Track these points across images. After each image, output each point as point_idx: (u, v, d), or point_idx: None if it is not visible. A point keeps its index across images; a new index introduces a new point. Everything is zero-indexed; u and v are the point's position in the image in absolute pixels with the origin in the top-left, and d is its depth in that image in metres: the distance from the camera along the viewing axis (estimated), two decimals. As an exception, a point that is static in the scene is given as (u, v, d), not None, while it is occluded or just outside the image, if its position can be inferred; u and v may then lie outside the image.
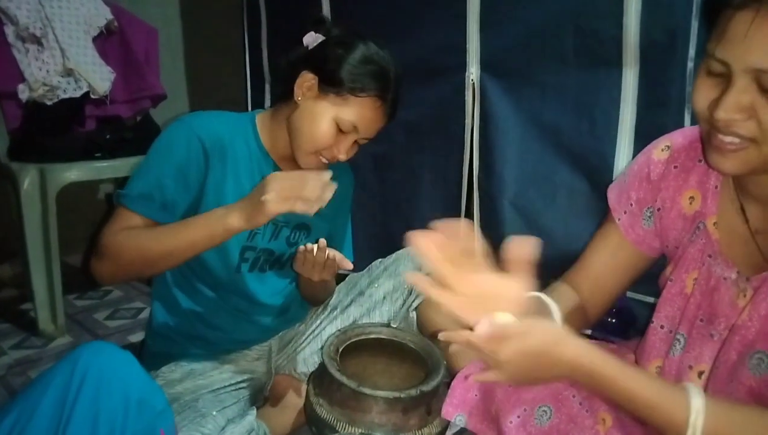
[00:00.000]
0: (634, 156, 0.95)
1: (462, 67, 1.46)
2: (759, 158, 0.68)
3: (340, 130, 1.07)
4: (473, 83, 1.46)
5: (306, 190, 0.95)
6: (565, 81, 1.31)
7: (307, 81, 1.07)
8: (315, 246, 1.06)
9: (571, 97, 1.31)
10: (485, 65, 1.44)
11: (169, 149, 1.05)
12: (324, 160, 1.10)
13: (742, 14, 0.63)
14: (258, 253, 1.15)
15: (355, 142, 1.11)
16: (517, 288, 0.69)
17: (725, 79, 0.67)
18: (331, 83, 1.06)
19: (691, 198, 0.86)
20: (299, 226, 1.20)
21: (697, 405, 0.65)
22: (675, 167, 0.87)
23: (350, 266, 1.12)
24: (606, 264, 0.95)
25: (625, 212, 0.92)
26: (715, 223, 0.83)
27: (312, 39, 1.10)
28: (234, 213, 0.98)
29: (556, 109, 1.34)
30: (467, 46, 1.44)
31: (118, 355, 0.71)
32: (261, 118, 1.16)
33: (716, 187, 0.83)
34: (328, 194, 0.99)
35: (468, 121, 1.49)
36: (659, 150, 0.89)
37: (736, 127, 0.67)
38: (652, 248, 0.93)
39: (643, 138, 1.19)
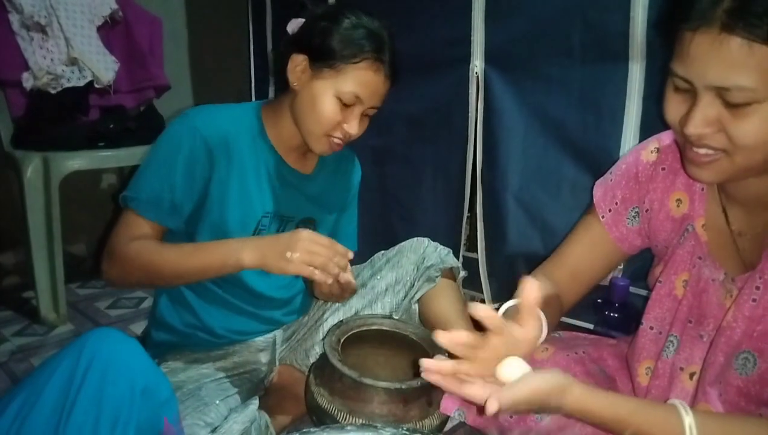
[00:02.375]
0: (639, 151, 0.95)
1: (466, 59, 1.46)
2: (733, 167, 0.70)
3: (344, 105, 1.03)
4: (477, 76, 1.45)
5: (330, 264, 0.96)
6: (570, 75, 1.31)
7: (298, 64, 1.04)
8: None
9: (577, 91, 1.31)
10: (490, 58, 1.43)
11: (173, 150, 1.03)
12: (337, 141, 1.07)
13: (696, 35, 0.65)
14: None
15: (364, 115, 1.07)
16: (527, 342, 0.73)
17: (692, 94, 0.69)
18: (322, 58, 1.02)
19: (678, 200, 0.87)
20: (305, 220, 1.20)
21: (688, 422, 0.68)
22: (663, 169, 0.88)
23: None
24: (584, 257, 0.97)
25: (609, 210, 0.94)
26: (703, 226, 0.84)
27: (295, 24, 1.08)
28: (250, 251, 0.98)
29: (561, 103, 1.33)
30: (472, 38, 1.44)
31: (125, 342, 0.71)
32: (266, 111, 1.14)
33: (702, 189, 0.85)
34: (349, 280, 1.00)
35: (472, 114, 1.48)
36: (648, 151, 0.90)
37: (707, 141, 0.69)
38: (633, 246, 0.95)
39: (648, 133, 1.18)
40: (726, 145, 0.68)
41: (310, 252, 0.96)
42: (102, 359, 0.68)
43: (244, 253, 0.98)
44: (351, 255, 1.03)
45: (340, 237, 1.32)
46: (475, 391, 0.70)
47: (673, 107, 0.72)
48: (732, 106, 0.65)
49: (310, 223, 1.21)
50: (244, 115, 1.12)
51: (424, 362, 0.72)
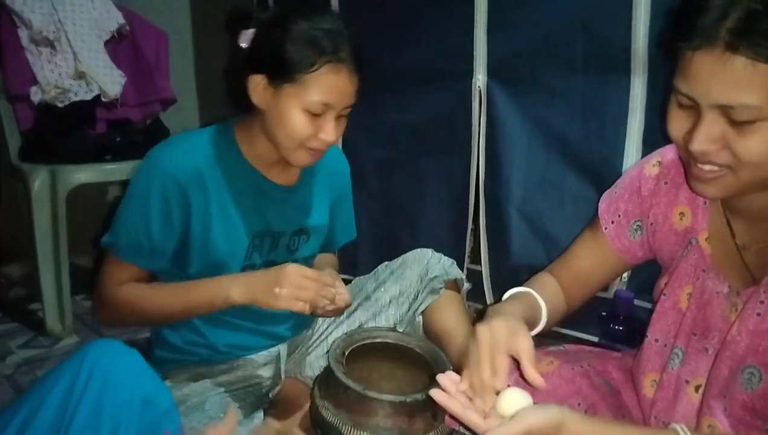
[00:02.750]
0: (641, 163, 0.96)
1: (469, 72, 1.47)
2: (738, 183, 0.70)
3: (314, 115, 0.98)
4: (480, 89, 1.46)
5: (318, 299, 1.00)
6: (572, 88, 1.32)
7: (257, 84, 1.00)
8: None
9: (579, 104, 1.31)
10: (492, 71, 1.44)
11: (145, 195, 1.02)
12: (316, 152, 1.04)
13: (700, 54, 0.65)
14: (259, 268, 1.12)
15: (339, 116, 1.03)
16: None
17: (696, 110, 0.69)
18: (280, 74, 0.97)
19: (682, 214, 0.88)
20: (297, 232, 1.18)
21: None
22: (665, 183, 0.89)
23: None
24: (588, 265, 0.99)
25: (612, 222, 0.95)
26: (707, 239, 0.84)
27: (246, 36, 1.02)
28: (239, 288, 1.01)
29: (563, 116, 1.34)
30: (474, 51, 1.45)
31: (126, 353, 0.72)
32: (239, 130, 1.10)
33: (705, 203, 0.85)
34: (341, 303, 1.05)
35: (475, 126, 1.49)
36: (650, 165, 0.91)
37: (711, 157, 0.69)
38: (636, 257, 0.96)
39: (650, 146, 1.19)
40: (730, 162, 0.68)
41: (298, 287, 0.99)
42: (102, 369, 0.68)
43: (233, 290, 1.01)
44: (339, 283, 1.07)
45: (338, 230, 1.32)
46: (475, 419, 0.71)
47: (677, 124, 0.72)
48: (736, 124, 0.65)
49: (303, 233, 1.19)
50: (215, 140, 1.08)
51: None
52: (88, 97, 1.75)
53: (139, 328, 1.75)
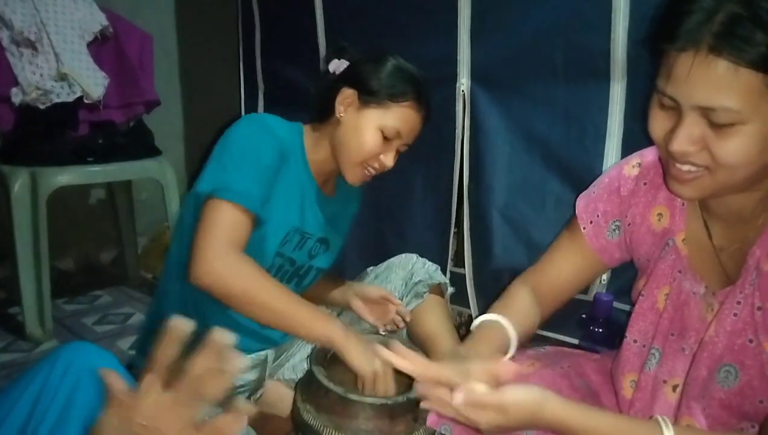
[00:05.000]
0: (621, 167, 0.98)
1: (453, 78, 1.48)
2: (714, 184, 0.71)
3: (385, 138, 1.12)
4: (464, 94, 1.47)
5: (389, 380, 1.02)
6: (554, 93, 1.33)
7: (347, 96, 1.13)
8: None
9: (560, 109, 1.33)
10: (476, 76, 1.46)
11: (259, 147, 1.06)
12: (371, 171, 1.16)
13: (684, 56, 0.66)
14: (283, 261, 1.16)
15: (397, 150, 1.16)
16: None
17: (677, 111, 0.70)
18: (370, 93, 1.12)
19: (660, 214, 0.89)
20: (322, 240, 1.23)
21: None
22: (644, 184, 0.90)
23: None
24: (565, 268, 0.99)
25: (591, 222, 0.96)
26: (684, 240, 0.86)
27: (337, 65, 1.18)
28: (346, 338, 1.01)
29: (545, 120, 1.36)
30: (458, 57, 1.46)
31: (100, 355, 0.72)
32: (307, 132, 1.20)
33: (683, 204, 0.86)
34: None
35: (458, 131, 1.50)
36: (630, 166, 0.92)
37: (691, 158, 0.70)
38: (613, 258, 0.97)
39: (630, 149, 1.20)
40: (709, 163, 0.69)
41: (379, 380, 1.01)
42: (75, 371, 0.68)
43: (336, 334, 1.01)
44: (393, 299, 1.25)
45: (336, 253, 1.34)
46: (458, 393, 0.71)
47: (659, 123, 0.73)
48: (716, 126, 0.67)
49: (324, 243, 1.23)
50: (292, 132, 1.18)
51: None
52: (70, 98, 1.74)
53: (122, 332, 1.75)
